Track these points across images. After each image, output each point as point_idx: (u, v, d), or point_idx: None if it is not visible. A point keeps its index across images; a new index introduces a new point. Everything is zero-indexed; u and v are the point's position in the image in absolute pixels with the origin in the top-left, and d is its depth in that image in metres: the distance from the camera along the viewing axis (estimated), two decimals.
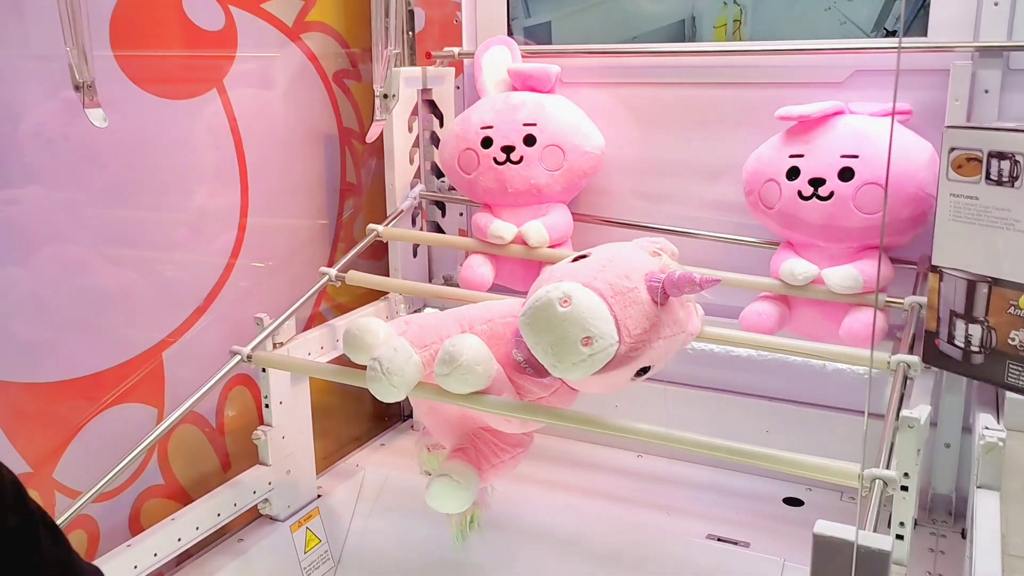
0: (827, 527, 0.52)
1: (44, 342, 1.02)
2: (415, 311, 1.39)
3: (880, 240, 1.02)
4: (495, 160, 1.24)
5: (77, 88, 0.89)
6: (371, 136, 1.23)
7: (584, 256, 0.89)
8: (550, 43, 1.37)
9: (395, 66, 0.78)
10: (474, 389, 0.89)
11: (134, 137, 1.09)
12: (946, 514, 1.15)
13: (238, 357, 1.07)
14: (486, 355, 0.89)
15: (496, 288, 1.26)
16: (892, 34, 1.16)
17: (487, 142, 1.24)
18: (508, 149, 1.23)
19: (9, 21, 0.95)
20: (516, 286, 1.27)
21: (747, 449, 0.76)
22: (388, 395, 0.90)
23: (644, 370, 0.88)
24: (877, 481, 0.70)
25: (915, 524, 1.16)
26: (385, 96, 0.78)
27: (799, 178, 1.05)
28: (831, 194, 1.03)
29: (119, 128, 0.99)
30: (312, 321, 1.41)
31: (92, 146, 1.05)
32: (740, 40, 1.26)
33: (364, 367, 0.92)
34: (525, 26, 1.39)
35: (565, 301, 0.81)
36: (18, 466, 0.98)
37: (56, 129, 1.02)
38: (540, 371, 0.90)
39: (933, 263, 0.90)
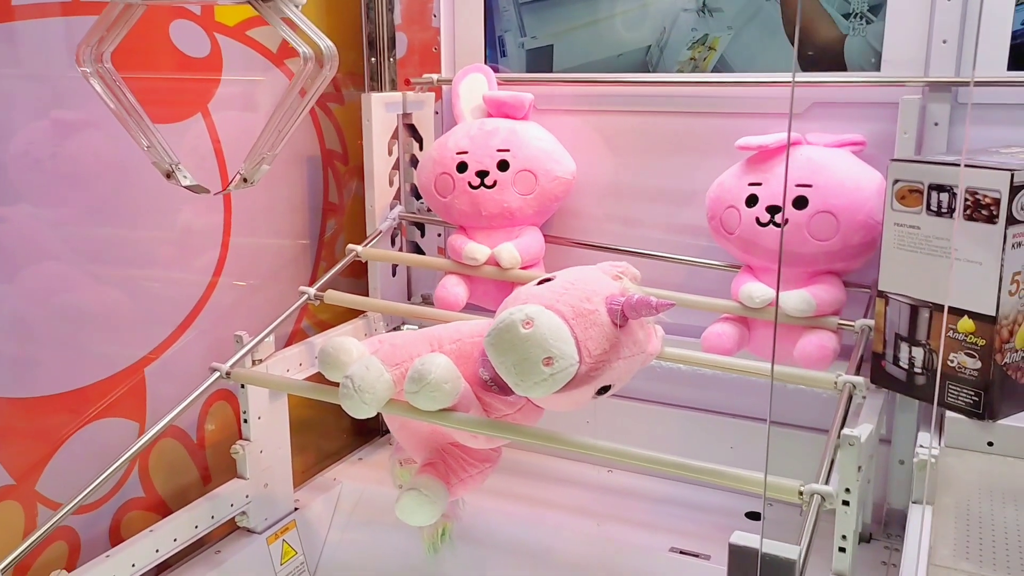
0: (742, 537, 0.56)
1: (28, 358, 1.05)
2: (394, 328, 1.43)
3: (832, 265, 1.07)
4: (470, 184, 1.28)
5: (168, 175, 0.90)
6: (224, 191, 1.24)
7: (549, 279, 0.93)
8: (552, 63, 1.41)
9: (268, 164, 0.82)
10: (442, 406, 0.92)
11: (120, 158, 1.12)
12: (900, 528, 1.19)
13: (217, 374, 1.10)
14: (454, 373, 0.93)
15: (470, 307, 1.30)
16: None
17: (462, 167, 1.29)
18: (482, 174, 1.28)
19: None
20: (489, 306, 1.31)
21: (695, 465, 0.80)
22: (359, 411, 0.94)
23: (605, 388, 0.92)
24: (815, 496, 0.74)
25: (871, 538, 1.21)
26: (244, 180, 0.82)
27: (757, 205, 1.10)
28: (786, 221, 1.08)
29: (106, 149, 1.03)
30: (294, 337, 1.45)
31: (79, 166, 1.08)
32: (707, 69, 1.30)
33: (338, 384, 0.96)
34: (528, 48, 1.42)
35: (527, 323, 0.85)
36: (1, 479, 1.01)
37: (44, 149, 1.05)
38: (505, 389, 0.93)
39: (880, 288, 0.95)
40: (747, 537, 0.56)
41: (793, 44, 1.20)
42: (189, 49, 1.22)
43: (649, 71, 1.33)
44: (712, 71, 1.28)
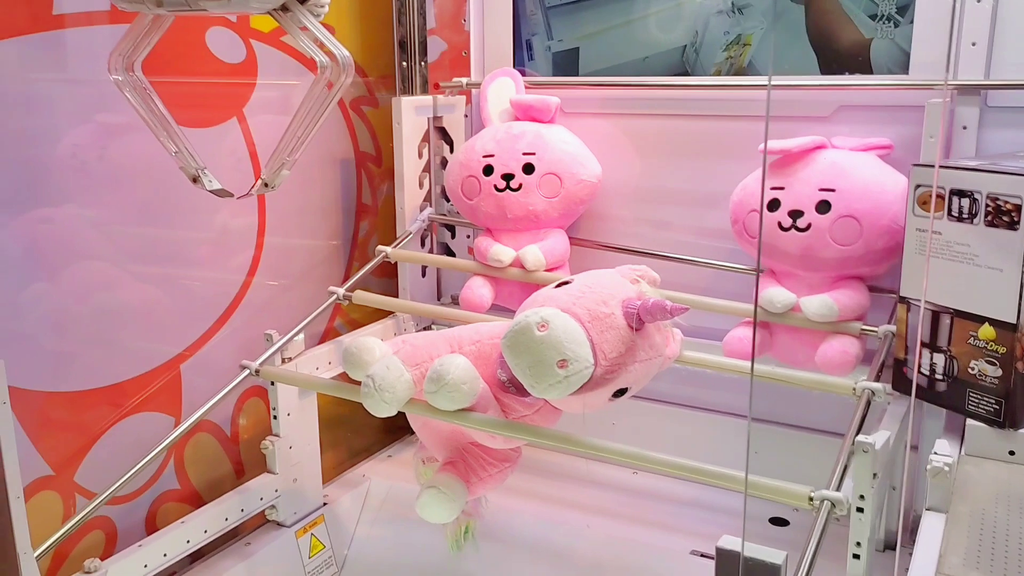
0: (729, 542, 0.57)
1: (70, 353, 1.09)
2: (424, 329, 1.45)
3: (855, 270, 1.06)
4: (495, 187, 1.30)
5: (195, 180, 0.94)
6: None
7: (567, 282, 0.95)
8: (577, 66, 1.42)
9: (288, 170, 0.84)
10: (460, 406, 0.94)
11: (161, 160, 1.16)
12: None
13: (247, 371, 1.14)
14: (472, 374, 0.95)
15: (496, 309, 1.32)
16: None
17: (488, 170, 1.31)
18: (508, 177, 1.30)
19: (49, 48, 1.03)
20: (515, 307, 1.31)
21: (708, 469, 0.81)
22: (380, 410, 0.96)
23: (622, 391, 0.93)
24: (825, 503, 0.74)
25: (899, 545, 1.19)
26: (265, 184, 0.84)
27: (779, 210, 1.10)
28: (808, 226, 1.07)
29: (147, 152, 1.06)
30: (327, 335, 1.48)
31: (122, 168, 1.12)
32: (741, 71, 1.30)
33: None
34: (554, 51, 1.43)
35: (543, 325, 0.86)
36: (40, 469, 1.06)
37: (90, 152, 1.09)
38: (523, 391, 0.95)
39: (901, 294, 0.94)
40: (735, 541, 0.57)
41: (814, 48, 1.19)
42: (225, 55, 1.25)
43: (684, 74, 1.33)
44: (747, 65, 1.28)
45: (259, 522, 1.24)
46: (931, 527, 0.75)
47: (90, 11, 1.06)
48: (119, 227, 1.13)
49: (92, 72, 1.06)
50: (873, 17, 1.16)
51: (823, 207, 1.07)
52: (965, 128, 1.08)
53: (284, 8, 0.70)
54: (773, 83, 1.24)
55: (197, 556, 1.16)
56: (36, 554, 0.88)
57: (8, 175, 1.00)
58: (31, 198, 1.03)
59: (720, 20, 1.28)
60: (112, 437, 1.14)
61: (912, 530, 1.20)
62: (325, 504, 1.31)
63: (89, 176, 1.09)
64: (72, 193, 1.08)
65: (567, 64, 1.42)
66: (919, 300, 0.92)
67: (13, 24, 0.99)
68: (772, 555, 0.57)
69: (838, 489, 0.78)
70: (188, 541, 1.09)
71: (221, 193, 0.89)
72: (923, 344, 0.92)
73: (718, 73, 1.30)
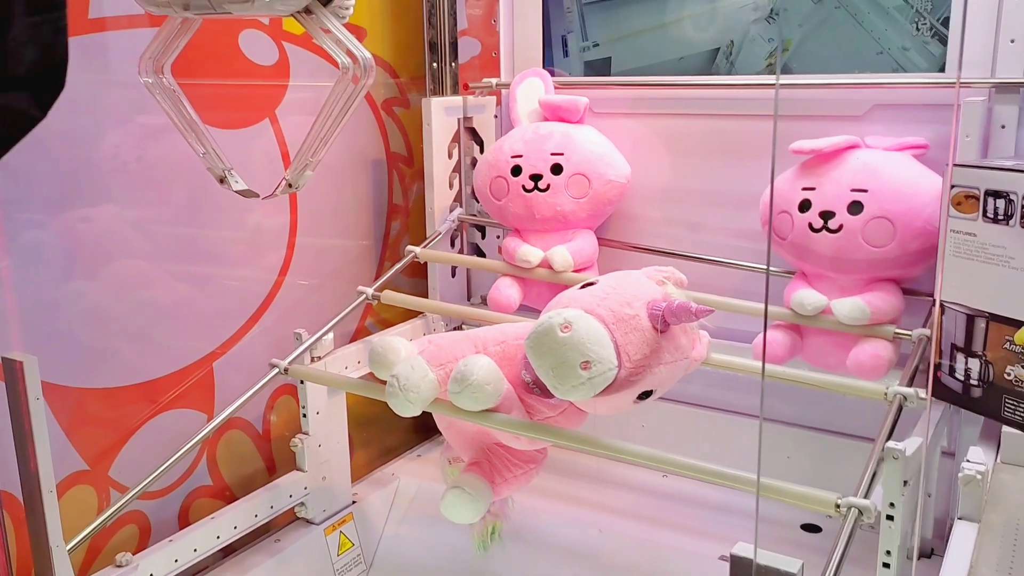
0: (743, 549, 0.56)
1: (106, 350, 1.11)
2: (454, 329, 1.46)
3: (889, 272, 1.04)
4: (523, 188, 1.30)
5: (222, 180, 0.96)
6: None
7: (592, 284, 0.94)
8: (610, 71, 1.41)
9: (312, 171, 0.85)
10: (484, 407, 0.94)
11: (197, 161, 1.18)
12: None
13: (276, 370, 1.15)
14: (496, 375, 0.94)
15: (524, 310, 1.32)
16: None
17: (516, 170, 1.31)
18: (536, 177, 1.29)
19: (90, 51, 1.06)
20: (543, 308, 1.31)
21: (728, 472, 0.80)
22: (405, 410, 0.96)
23: (647, 394, 0.92)
24: (852, 510, 0.73)
25: (932, 553, 1.17)
26: (289, 185, 0.85)
27: (810, 210, 1.08)
28: (840, 227, 1.05)
29: (185, 153, 1.08)
30: (358, 334, 1.49)
31: (160, 169, 1.15)
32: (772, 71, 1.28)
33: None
34: (585, 60, 1.43)
35: (566, 327, 0.86)
36: (76, 464, 1.08)
37: (130, 152, 1.11)
38: (547, 392, 0.94)
39: (936, 297, 0.92)
40: (748, 548, 0.56)
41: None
42: (258, 57, 1.27)
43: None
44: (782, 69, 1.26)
45: (289, 519, 1.26)
46: (962, 536, 0.73)
47: (131, 14, 1.08)
48: (156, 226, 1.16)
49: (132, 75, 1.08)
50: (908, 15, 1.13)
51: (855, 208, 1.05)
52: (1003, 127, 1.05)
53: (307, 10, 0.71)
54: (805, 82, 1.22)
55: (228, 552, 1.17)
56: (69, 547, 0.90)
57: (52, 175, 1.03)
58: (73, 197, 1.06)
59: (759, 27, 1.26)
60: (146, 433, 1.16)
61: (948, 538, 1.17)
62: (354, 502, 1.32)
63: (128, 176, 1.12)
64: (112, 193, 1.10)
65: (599, 70, 1.42)
66: (954, 303, 0.90)
67: None
68: (787, 563, 0.56)
69: (867, 496, 0.76)
70: (218, 537, 1.11)
71: (247, 194, 0.91)
72: (958, 348, 0.90)
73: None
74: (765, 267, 1.23)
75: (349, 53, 0.73)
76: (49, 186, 1.03)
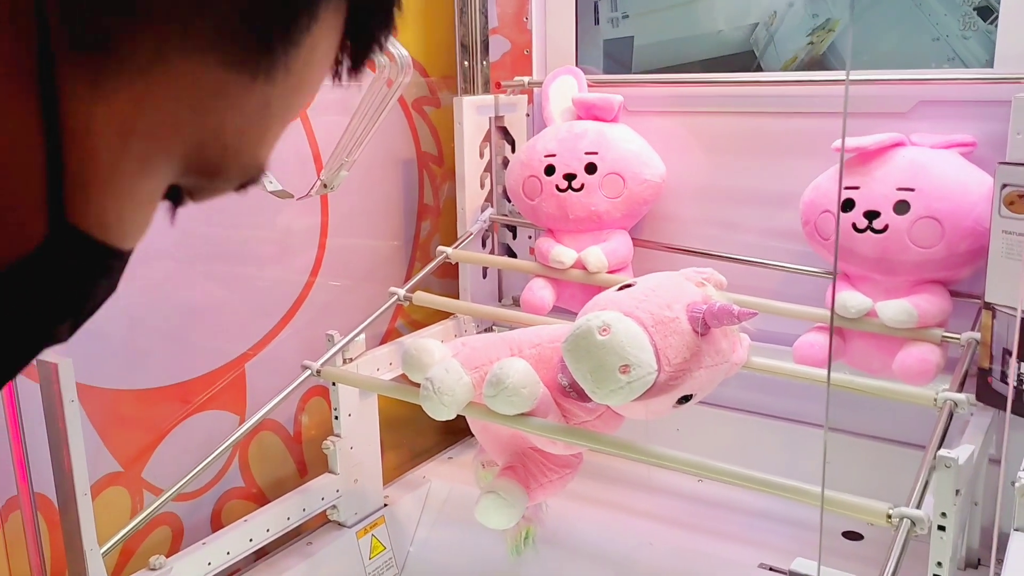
0: (804, 565, 0.54)
1: (140, 351, 1.11)
2: (485, 330, 1.44)
3: (936, 274, 1.01)
4: (557, 187, 1.28)
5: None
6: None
7: (630, 285, 0.92)
8: (631, 54, 1.38)
9: (347, 170, 0.83)
10: (520, 411, 0.92)
11: None
12: None
13: (308, 371, 1.14)
14: (532, 378, 0.93)
15: (557, 311, 1.30)
16: None
17: (550, 169, 1.29)
18: (570, 177, 1.27)
19: None
20: (576, 309, 1.29)
21: (777, 481, 0.77)
22: (439, 413, 0.95)
23: (687, 398, 0.90)
24: (904, 520, 0.70)
25: (979, 563, 1.13)
26: (325, 186, 0.84)
27: (854, 210, 1.05)
28: (886, 227, 1.02)
29: None
30: (388, 336, 1.49)
31: None
32: (817, 59, 1.25)
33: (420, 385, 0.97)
34: (605, 39, 1.40)
35: (604, 330, 0.84)
36: (109, 465, 1.08)
37: None
38: (584, 396, 0.93)
39: (986, 300, 0.89)
40: (809, 565, 0.54)
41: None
42: None
43: (755, 57, 1.28)
44: (823, 53, 1.23)
45: (321, 522, 1.25)
46: (1020, 549, 0.70)
47: None
48: (189, 227, 1.15)
49: None
50: (957, 8, 1.10)
51: (901, 207, 1.02)
52: None
53: None
54: (847, 79, 1.19)
55: (260, 554, 1.17)
56: (103, 550, 0.90)
57: None
58: None
59: (806, 2, 1.23)
60: (179, 434, 1.16)
61: (996, 548, 1.14)
62: (386, 505, 1.31)
63: None
64: None
65: (620, 48, 1.38)
66: (1005, 306, 0.87)
67: None
68: None
69: (918, 506, 0.73)
70: (251, 539, 1.10)
71: (281, 194, 0.90)
72: (1010, 353, 0.87)
73: (794, 59, 1.25)
74: (806, 268, 1.20)
75: (386, 51, 0.72)
76: None
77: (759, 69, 1.29)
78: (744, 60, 1.30)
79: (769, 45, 1.27)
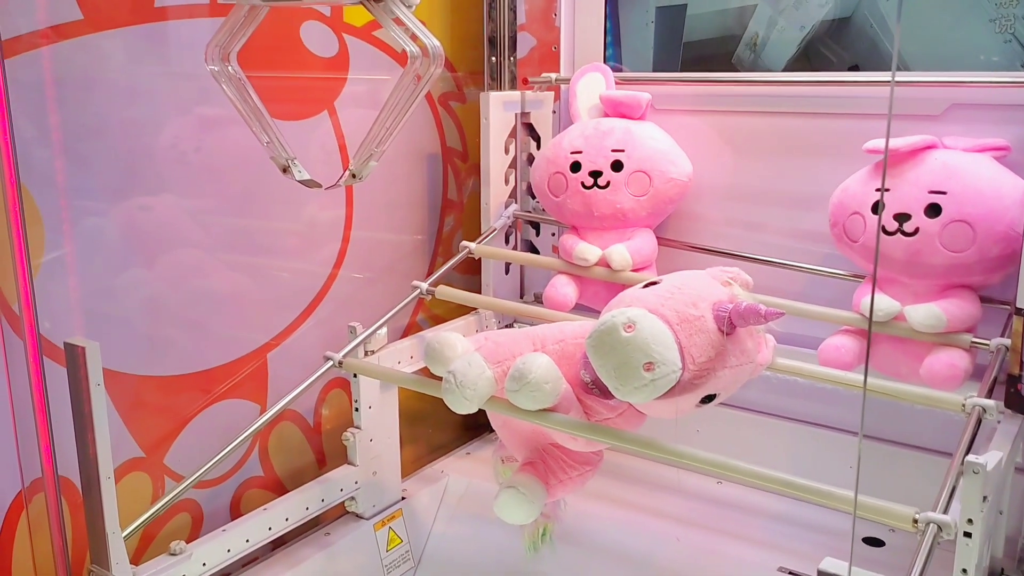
0: (833, 565, 0.53)
1: (163, 339, 1.12)
2: (506, 326, 1.44)
3: (966, 279, 0.99)
4: (583, 184, 1.27)
5: (284, 170, 0.95)
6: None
7: (655, 283, 0.92)
8: (683, 23, 1.37)
9: (376, 161, 0.83)
10: (542, 406, 0.92)
11: (255, 153, 1.18)
12: None
13: (331, 362, 1.14)
14: (555, 374, 0.92)
15: (580, 308, 1.30)
16: None
17: (576, 166, 1.28)
18: (596, 174, 1.27)
19: (151, 41, 1.06)
20: (599, 307, 1.29)
21: (811, 486, 0.76)
22: (461, 407, 0.95)
23: (710, 398, 0.89)
24: (931, 526, 0.69)
25: (1002, 572, 1.12)
26: (353, 176, 0.83)
27: (884, 212, 1.04)
28: (916, 230, 1.01)
29: (243, 144, 1.08)
30: (409, 329, 1.49)
31: (219, 160, 1.15)
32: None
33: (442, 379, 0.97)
34: (658, 6, 1.38)
35: (629, 327, 0.83)
36: (132, 451, 1.09)
37: (189, 143, 1.12)
38: (607, 393, 0.92)
39: (1017, 305, 0.87)
40: (840, 565, 0.53)
41: None
42: (318, 49, 1.27)
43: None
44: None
45: (339, 513, 1.25)
46: None
47: (191, 4, 1.08)
48: (213, 217, 1.16)
49: (192, 65, 1.08)
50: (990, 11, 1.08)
51: (932, 211, 1.01)
52: None
53: None
54: (877, 79, 1.18)
55: (278, 543, 1.17)
56: (125, 534, 0.91)
57: (112, 164, 1.03)
58: (132, 186, 1.06)
59: None
60: (200, 422, 1.17)
61: (1020, 558, 1.12)
62: (403, 498, 1.31)
63: (187, 166, 1.12)
64: (170, 183, 1.10)
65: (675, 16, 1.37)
66: None
67: (117, 16, 1.01)
68: None
69: (945, 511, 0.72)
70: (270, 528, 1.10)
71: (310, 183, 0.90)
72: None
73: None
74: (833, 271, 1.19)
75: (417, 40, 0.72)
76: (110, 175, 1.03)
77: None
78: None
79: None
